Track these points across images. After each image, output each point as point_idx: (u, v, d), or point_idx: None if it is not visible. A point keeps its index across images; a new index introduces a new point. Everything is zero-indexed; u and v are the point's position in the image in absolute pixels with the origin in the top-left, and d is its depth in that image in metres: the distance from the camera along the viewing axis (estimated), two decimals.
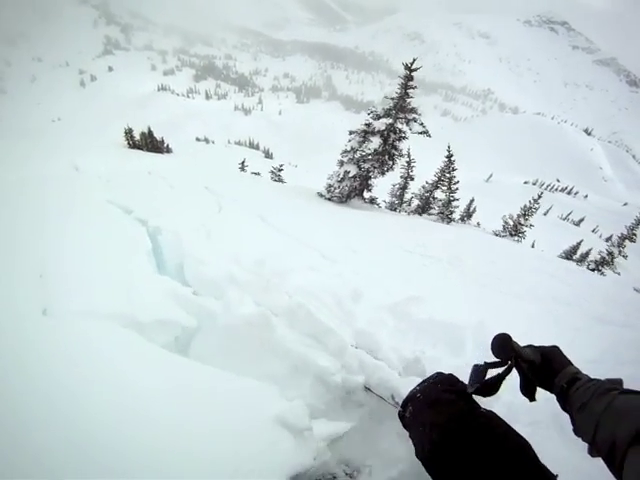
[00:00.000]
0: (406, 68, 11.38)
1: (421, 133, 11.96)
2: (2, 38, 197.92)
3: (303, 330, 2.72)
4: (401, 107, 11.85)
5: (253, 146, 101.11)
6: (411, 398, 1.47)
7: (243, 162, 21.07)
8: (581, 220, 49.49)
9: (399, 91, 11.78)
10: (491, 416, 1.25)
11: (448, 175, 14.80)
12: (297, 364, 2.47)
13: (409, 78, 11.52)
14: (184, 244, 3.91)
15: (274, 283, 3.24)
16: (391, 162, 12.41)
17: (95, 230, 3.99)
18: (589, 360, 2.79)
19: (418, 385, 1.53)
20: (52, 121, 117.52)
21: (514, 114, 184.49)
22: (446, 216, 14.74)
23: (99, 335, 2.22)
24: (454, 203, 14.93)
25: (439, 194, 15.49)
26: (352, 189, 12.96)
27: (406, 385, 2.08)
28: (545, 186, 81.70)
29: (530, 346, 1.22)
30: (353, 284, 3.56)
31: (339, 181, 12.61)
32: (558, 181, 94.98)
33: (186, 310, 2.86)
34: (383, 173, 12.61)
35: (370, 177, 12.91)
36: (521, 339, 1.21)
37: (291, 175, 30.50)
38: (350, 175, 12.43)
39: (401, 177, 16.47)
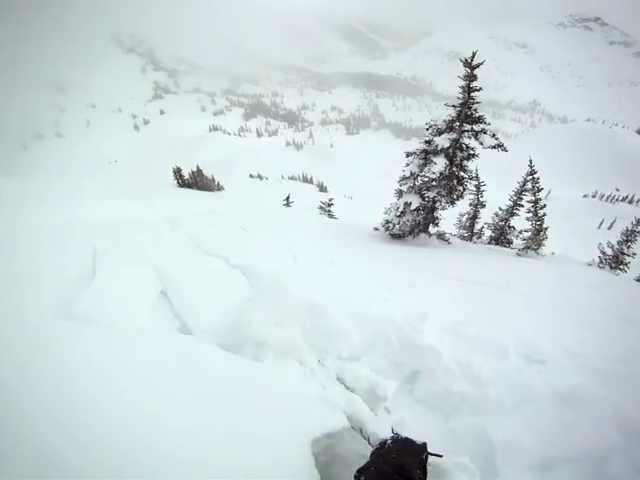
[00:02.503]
0: (465, 65, 9.15)
1: (495, 147, 9.42)
2: (55, 87, 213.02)
3: None
4: (466, 117, 9.59)
5: (307, 180, 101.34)
6: (365, 469, 1.72)
7: (288, 198, 19.51)
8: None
9: (461, 96, 9.55)
10: None
11: (532, 198, 11.84)
12: None
13: (471, 78, 9.25)
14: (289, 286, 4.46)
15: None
16: (461, 188, 10.09)
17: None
18: None
19: (380, 449, 1.92)
20: (109, 163, 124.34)
21: (563, 124, 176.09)
22: (533, 249, 11.43)
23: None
24: (542, 233, 11.73)
25: (517, 221, 13.24)
26: (415, 224, 10.67)
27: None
28: (605, 197, 76.63)
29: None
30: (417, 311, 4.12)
31: (399, 215, 10.43)
32: (617, 190, 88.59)
33: None
34: (452, 202, 10.30)
35: (436, 208, 10.63)
36: None
37: (347, 208, 29.29)
38: (412, 208, 10.13)
39: (470, 205, 14.15)
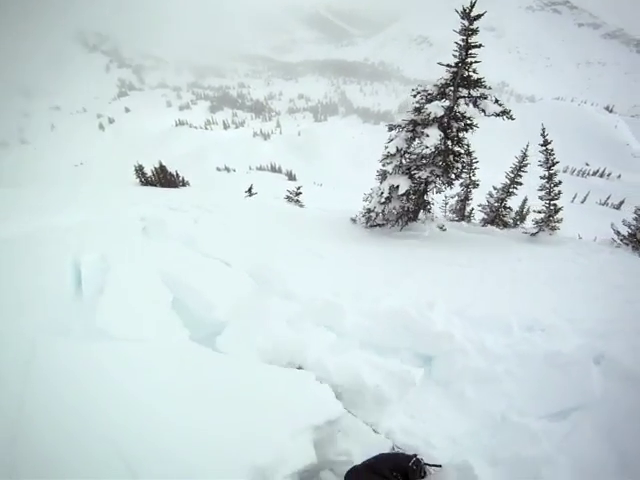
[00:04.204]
0: (463, 16, 7.49)
1: (500, 115, 7.74)
2: (19, 91, 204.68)
3: None
4: (462, 79, 7.87)
5: (275, 170, 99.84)
6: (349, 471, 2.11)
7: (250, 188, 17.70)
8: (621, 203, 47.34)
9: (457, 54, 7.82)
10: None
11: (546, 173, 9.70)
12: None
13: (470, 32, 7.57)
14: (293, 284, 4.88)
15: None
16: (459, 165, 8.29)
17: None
18: None
19: (369, 459, 2.20)
20: (75, 166, 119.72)
21: (532, 102, 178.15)
22: (549, 228, 9.53)
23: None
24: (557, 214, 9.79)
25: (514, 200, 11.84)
26: (403, 212, 8.92)
27: None
28: (576, 172, 77.33)
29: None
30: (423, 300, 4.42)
31: (383, 202, 8.65)
32: (587, 165, 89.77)
33: None
34: (450, 183, 8.58)
35: (428, 191, 8.89)
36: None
37: (318, 195, 27.77)
38: (401, 192, 8.30)
39: (461, 185, 12.26)
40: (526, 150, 11.28)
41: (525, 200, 18.74)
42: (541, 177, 9.74)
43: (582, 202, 50.88)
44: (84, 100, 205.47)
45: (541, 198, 9.83)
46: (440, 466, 2.27)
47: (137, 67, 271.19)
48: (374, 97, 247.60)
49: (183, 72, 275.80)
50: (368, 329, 3.99)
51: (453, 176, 8.42)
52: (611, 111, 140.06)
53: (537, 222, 9.56)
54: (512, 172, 11.45)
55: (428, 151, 7.73)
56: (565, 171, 74.86)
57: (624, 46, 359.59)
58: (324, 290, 4.65)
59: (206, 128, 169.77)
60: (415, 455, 2.18)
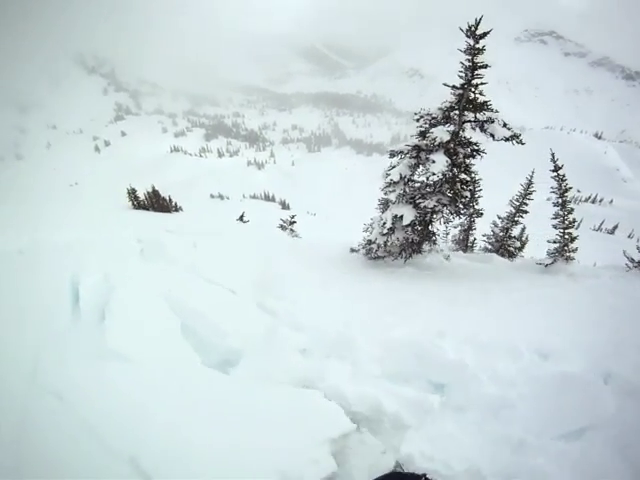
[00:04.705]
0: (469, 33, 6.90)
1: (509, 139, 7.21)
2: (16, 107, 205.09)
3: None
4: (467, 102, 7.35)
5: (269, 199, 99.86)
6: None
7: (242, 215, 17.00)
8: (615, 227, 48.40)
9: (464, 75, 7.27)
10: None
11: (560, 200, 9.30)
12: None
13: (476, 51, 7.01)
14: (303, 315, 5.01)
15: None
16: (467, 193, 7.70)
17: None
18: None
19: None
20: (70, 185, 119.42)
21: (522, 132, 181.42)
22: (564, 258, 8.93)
23: None
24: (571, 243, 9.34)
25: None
26: (407, 243, 8.31)
27: None
28: (569, 199, 78.13)
29: None
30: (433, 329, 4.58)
31: (385, 233, 7.99)
32: (579, 192, 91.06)
33: None
34: (458, 212, 7.99)
35: (432, 221, 8.30)
36: None
37: (311, 225, 27.51)
38: (406, 222, 7.66)
39: (464, 214, 11.82)
40: (531, 177, 10.83)
41: (524, 229, 18.40)
42: (554, 204, 9.23)
43: (576, 228, 51.25)
44: (81, 121, 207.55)
45: (555, 227, 9.28)
46: None
47: (134, 92, 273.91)
48: (367, 129, 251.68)
49: (179, 99, 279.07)
50: (381, 359, 4.11)
51: (461, 205, 7.89)
52: (600, 137, 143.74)
53: (551, 253, 9.01)
54: (517, 200, 10.99)
55: (435, 178, 7.21)
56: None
57: (610, 73, 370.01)
58: (334, 321, 4.78)
59: (201, 155, 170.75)
60: (424, 475, 2.22)
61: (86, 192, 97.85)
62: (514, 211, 11.28)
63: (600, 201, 77.01)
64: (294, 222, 15.14)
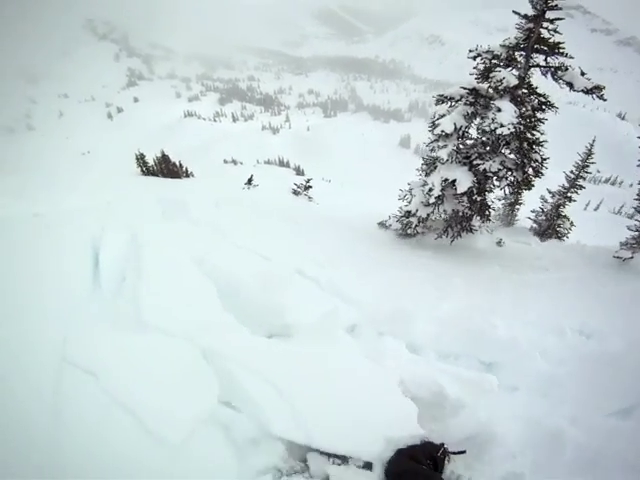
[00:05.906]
0: None
1: (590, 91, 5.84)
2: (26, 78, 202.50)
3: None
4: (538, 41, 6.01)
5: (283, 164, 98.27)
6: (389, 461, 2.40)
7: (250, 179, 15.99)
8: (638, 210, 45.12)
9: (533, 4, 5.97)
10: None
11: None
12: None
13: None
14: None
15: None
16: (538, 156, 6.26)
17: None
18: None
19: (403, 448, 2.46)
20: (82, 154, 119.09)
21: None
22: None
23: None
24: None
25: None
26: (458, 217, 6.86)
27: None
28: (588, 179, 75.97)
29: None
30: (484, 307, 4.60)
31: (432, 203, 6.51)
32: (599, 172, 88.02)
33: None
34: (528, 183, 6.61)
35: (488, 189, 6.79)
36: None
37: (326, 191, 26.69)
38: (461, 190, 6.16)
39: (509, 185, 10.38)
40: (591, 147, 9.49)
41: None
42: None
43: (595, 210, 50.25)
44: (93, 89, 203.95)
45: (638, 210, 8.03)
46: (464, 452, 2.53)
47: (147, 57, 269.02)
48: (384, 94, 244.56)
49: (193, 63, 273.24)
50: (437, 336, 3.97)
51: (531, 170, 6.52)
52: (623, 118, 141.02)
53: (629, 242, 7.74)
54: (573, 172, 9.62)
55: (506, 131, 5.58)
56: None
57: (637, 54, 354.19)
58: (385, 296, 4.55)
59: (215, 120, 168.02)
60: (443, 444, 2.50)
61: (99, 160, 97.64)
62: (568, 186, 9.90)
63: (620, 183, 75.43)
64: (310, 187, 14.05)
